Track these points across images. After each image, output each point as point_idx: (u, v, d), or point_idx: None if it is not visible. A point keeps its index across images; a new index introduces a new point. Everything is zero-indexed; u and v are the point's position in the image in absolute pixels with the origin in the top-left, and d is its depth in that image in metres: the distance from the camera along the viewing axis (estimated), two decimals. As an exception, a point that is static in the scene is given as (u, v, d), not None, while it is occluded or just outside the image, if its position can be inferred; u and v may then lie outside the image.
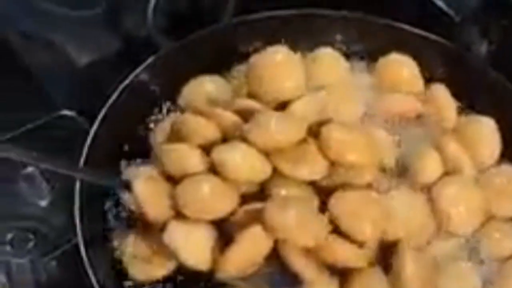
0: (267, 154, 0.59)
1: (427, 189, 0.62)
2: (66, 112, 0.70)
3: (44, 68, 0.73)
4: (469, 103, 0.68)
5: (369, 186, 0.60)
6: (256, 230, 0.56)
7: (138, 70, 0.64)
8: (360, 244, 0.57)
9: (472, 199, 0.61)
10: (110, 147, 0.63)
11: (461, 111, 0.67)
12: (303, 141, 0.60)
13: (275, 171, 0.59)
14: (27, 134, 0.68)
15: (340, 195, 0.59)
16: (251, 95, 0.64)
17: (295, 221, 0.56)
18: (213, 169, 0.59)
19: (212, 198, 0.58)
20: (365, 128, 0.65)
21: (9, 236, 0.63)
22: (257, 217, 0.56)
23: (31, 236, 0.63)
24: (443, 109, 0.66)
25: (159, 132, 0.66)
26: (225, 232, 0.58)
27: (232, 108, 0.62)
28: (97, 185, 0.59)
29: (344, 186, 0.59)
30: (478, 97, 0.67)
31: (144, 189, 0.59)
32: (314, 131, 0.60)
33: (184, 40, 0.66)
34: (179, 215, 0.58)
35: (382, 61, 0.70)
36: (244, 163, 0.58)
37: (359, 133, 0.61)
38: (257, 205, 0.58)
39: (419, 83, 0.68)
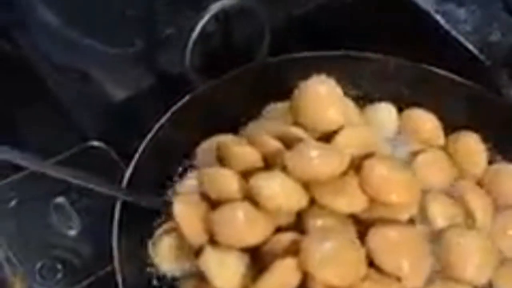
0: (305, 184, 0.58)
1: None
2: (96, 143, 0.70)
3: (79, 102, 0.75)
4: (499, 148, 0.68)
5: (409, 221, 0.59)
6: (288, 262, 0.55)
7: (175, 108, 0.64)
8: (396, 279, 0.56)
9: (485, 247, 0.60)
10: (149, 179, 0.63)
11: (490, 157, 0.67)
12: (344, 173, 0.59)
13: (313, 203, 0.58)
14: (60, 162, 0.68)
15: (379, 230, 0.58)
16: (295, 125, 0.64)
17: (332, 256, 0.55)
18: (250, 197, 0.59)
19: (245, 226, 0.57)
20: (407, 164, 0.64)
21: (38, 265, 0.63)
22: (291, 248, 0.56)
23: (59, 266, 0.64)
24: (472, 157, 0.66)
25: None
26: (258, 261, 0.58)
27: (277, 134, 0.62)
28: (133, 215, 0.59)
29: (383, 221, 0.58)
30: (508, 142, 0.67)
31: (184, 210, 0.59)
32: (357, 164, 0.60)
33: (219, 79, 0.67)
34: (214, 240, 0.58)
35: (407, 112, 0.69)
36: (279, 192, 0.58)
37: (402, 170, 0.60)
38: (291, 235, 0.58)
39: (441, 137, 0.68)
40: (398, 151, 0.67)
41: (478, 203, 0.63)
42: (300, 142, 0.61)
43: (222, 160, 0.63)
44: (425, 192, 0.63)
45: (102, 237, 0.58)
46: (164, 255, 0.60)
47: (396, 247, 0.57)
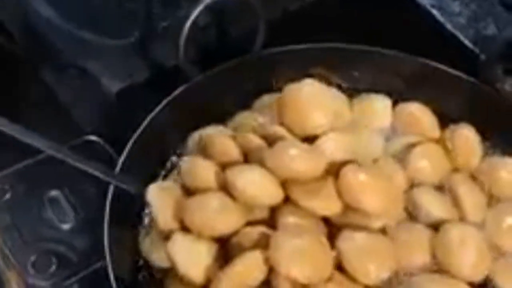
0: (282, 182, 0.59)
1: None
2: (92, 137, 0.70)
3: (75, 95, 0.75)
4: (493, 141, 0.68)
5: (381, 230, 0.59)
6: (256, 255, 0.55)
7: (168, 99, 0.64)
8: (363, 285, 0.56)
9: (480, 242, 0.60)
10: (139, 173, 0.63)
11: (485, 150, 0.67)
12: (322, 177, 0.59)
13: (287, 200, 0.59)
14: (54, 157, 0.68)
15: (350, 234, 0.58)
16: (280, 124, 0.64)
17: (300, 254, 0.55)
18: (226, 188, 0.59)
19: (217, 215, 0.58)
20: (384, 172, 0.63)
21: (32, 259, 0.63)
22: (260, 242, 0.57)
23: (54, 259, 0.63)
24: (468, 149, 0.66)
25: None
26: (227, 252, 0.58)
27: (260, 132, 0.63)
28: (126, 208, 0.60)
29: (355, 226, 0.59)
30: (502, 135, 0.68)
31: (158, 195, 0.60)
32: (336, 170, 0.60)
33: (212, 71, 0.67)
34: (185, 228, 0.58)
35: (402, 105, 0.69)
36: (254, 185, 0.58)
37: (380, 179, 0.60)
38: (262, 229, 0.58)
39: (436, 130, 0.68)
40: (393, 144, 0.67)
41: (470, 197, 0.63)
42: (281, 140, 0.61)
43: (204, 151, 0.63)
44: (417, 187, 0.64)
45: (96, 230, 0.58)
46: (154, 247, 0.60)
47: (366, 253, 0.57)
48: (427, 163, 0.65)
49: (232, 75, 0.67)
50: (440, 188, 0.64)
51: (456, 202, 0.63)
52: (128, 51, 0.70)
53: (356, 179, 0.58)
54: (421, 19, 0.73)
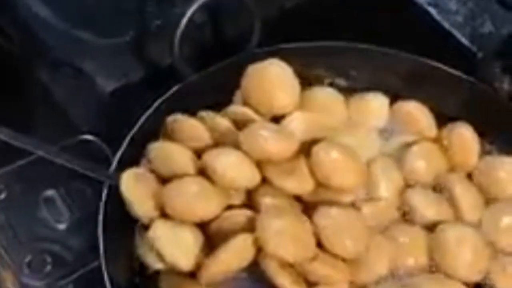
0: (257, 163, 0.59)
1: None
2: (88, 137, 0.70)
3: (70, 94, 0.74)
4: (490, 140, 0.67)
5: (352, 204, 0.61)
6: (244, 238, 0.56)
7: (162, 98, 0.64)
8: (342, 260, 0.57)
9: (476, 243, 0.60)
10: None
11: (482, 149, 0.67)
12: (295, 155, 0.60)
13: (263, 181, 0.59)
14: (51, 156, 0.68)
15: (325, 211, 0.59)
16: (246, 105, 0.64)
17: (286, 233, 0.55)
18: (203, 173, 0.59)
19: (198, 201, 0.58)
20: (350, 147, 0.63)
21: (27, 258, 0.63)
22: (245, 225, 0.57)
23: (49, 259, 0.63)
24: (465, 148, 0.66)
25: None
26: (210, 236, 0.58)
27: (227, 115, 0.63)
28: (122, 207, 0.59)
29: (328, 202, 0.59)
30: (500, 134, 0.67)
31: (131, 184, 0.59)
32: (307, 149, 0.60)
33: (207, 70, 0.67)
34: (165, 215, 0.58)
35: (399, 104, 0.69)
36: (233, 169, 0.58)
37: (349, 156, 0.61)
38: (245, 212, 0.58)
39: (433, 129, 0.68)
40: (390, 143, 0.67)
41: (467, 197, 0.62)
42: (252, 123, 0.61)
43: (172, 136, 0.63)
44: (412, 187, 0.63)
45: (91, 230, 0.58)
46: (149, 248, 0.59)
47: (343, 228, 0.58)
48: (424, 162, 0.65)
49: (228, 74, 0.67)
50: (436, 187, 0.64)
51: (452, 202, 0.62)
52: (123, 50, 0.70)
53: (327, 157, 0.59)
54: (418, 18, 0.73)
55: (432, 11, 0.72)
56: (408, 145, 0.66)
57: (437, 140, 0.67)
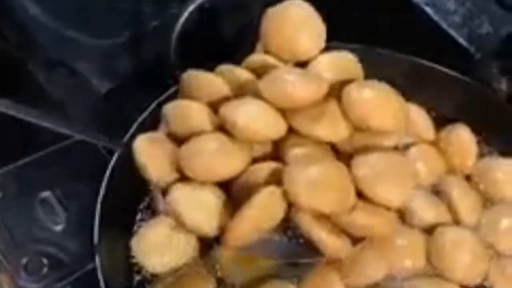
0: (282, 111, 0.54)
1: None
2: (85, 137, 0.70)
3: (66, 94, 0.74)
4: (489, 141, 0.67)
5: (394, 148, 0.56)
6: (272, 190, 0.51)
7: (159, 99, 0.63)
8: (386, 209, 0.53)
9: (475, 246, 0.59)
10: (133, 174, 0.61)
11: (480, 150, 0.67)
12: (324, 100, 0.55)
13: (290, 131, 0.54)
14: (46, 157, 0.68)
15: (363, 158, 0.54)
16: (267, 53, 0.59)
17: (319, 182, 0.50)
18: (223, 129, 0.54)
19: (218, 159, 0.53)
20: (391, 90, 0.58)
21: (24, 261, 0.63)
22: (271, 178, 0.52)
23: (45, 261, 0.63)
24: (463, 150, 0.66)
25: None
26: (234, 196, 0.53)
27: (247, 66, 0.58)
28: (118, 212, 0.59)
29: (366, 148, 0.55)
30: (498, 135, 0.67)
31: (146, 147, 0.55)
32: (337, 92, 0.55)
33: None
34: (183, 177, 0.53)
35: None
36: (255, 120, 0.53)
37: (386, 95, 0.56)
38: (271, 165, 0.53)
39: (431, 131, 0.67)
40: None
41: (465, 200, 0.62)
42: (274, 69, 0.56)
43: (189, 93, 0.58)
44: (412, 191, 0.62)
45: (88, 232, 0.58)
46: (145, 251, 0.58)
47: (385, 175, 0.53)
48: (422, 164, 0.64)
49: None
50: (435, 189, 0.64)
51: (450, 205, 0.62)
52: (119, 50, 0.69)
53: (361, 96, 0.55)
54: (416, 18, 0.72)
55: (430, 11, 0.72)
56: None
57: (435, 142, 0.67)
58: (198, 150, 0.53)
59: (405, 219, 0.61)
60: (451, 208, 0.62)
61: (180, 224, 0.53)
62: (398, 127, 0.56)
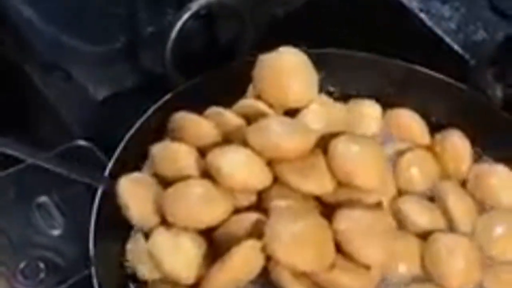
0: (268, 161, 0.54)
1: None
2: (81, 142, 0.70)
3: (63, 100, 0.74)
4: (483, 147, 0.67)
5: (378, 205, 0.55)
6: (252, 244, 0.50)
7: (155, 107, 0.63)
8: (366, 268, 0.52)
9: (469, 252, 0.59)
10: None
11: (475, 156, 0.67)
12: (311, 152, 0.54)
13: (275, 182, 0.54)
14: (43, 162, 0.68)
15: (346, 213, 0.53)
16: (258, 99, 0.59)
17: (301, 239, 0.50)
18: (208, 175, 0.53)
19: (201, 206, 0.53)
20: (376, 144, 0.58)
21: (21, 265, 0.63)
22: (253, 230, 0.52)
23: (43, 266, 0.63)
24: (458, 156, 0.66)
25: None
26: (214, 244, 0.53)
27: (237, 110, 0.58)
28: (115, 217, 0.58)
29: (350, 203, 0.54)
30: (493, 141, 0.67)
31: (129, 188, 0.55)
32: (324, 144, 0.55)
33: (199, 77, 0.67)
34: (165, 222, 0.53)
35: (392, 111, 0.68)
36: (241, 169, 0.53)
37: (371, 151, 0.55)
38: (254, 216, 0.53)
39: (426, 137, 0.67)
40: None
41: (459, 206, 0.62)
42: (262, 116, 0.56)
43: (177, 135, 0.58)
44: (405, 195, 0.63)
45: (85, 237, 0.58)
46: (141, 257, 0.57)
47: (367, 232, 0.53)
48: (417, 170, 0.65)
49: (220, 82, 0.66)
50: (430, 195, 0.64)
51: (445, 211, 0.62)
52: (114, 57, 0.69)
53: (347, 152, 0.54)
54: (411, 24, 0.72)
55: (425, 17, 0.72)
56: (401, 152, 0.65)
57: (430, 148, 0.67)
58: (181, 196, 0.53)
59: (400, 224, 0.61)
60: (446, 214, 0.62)
61: (159, 268, 0.53)
62: (382, 184, 0.56)
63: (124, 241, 0.60)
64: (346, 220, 0.53)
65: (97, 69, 0.70)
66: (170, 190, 0.54)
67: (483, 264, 0.60)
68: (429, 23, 0.71)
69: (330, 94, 0.69)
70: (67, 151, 0.70)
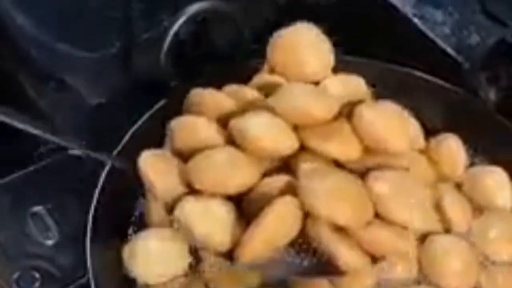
0: (293, 128, 0.53)
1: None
2: (75, 151, 0.70)
3: (57, 107, 0.74)
4: (478, 150, 0.68)
5: (406, 169, 0.55)
6: (288, 200, 0.49)
7: (150, 112, 0.63)
8: (403, 228, 0.51)
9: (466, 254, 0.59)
10: (124, 188, 0.62)
11: (470, 159, 0.67)
12: (335, 119, 0.54)
13: (301, 148, 0.53)
14: (37, 171, 0.68)
15: (379, 174, 0.52)
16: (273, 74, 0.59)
17: (337, 192, 0.49)
18: (232, 143, 0.53)
19: (229, 170, 0.52)
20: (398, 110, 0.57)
21: (16, 275, 0.62)
22: (284, 191, 0.50)
23: (37, 275, 0.63)
24: (453, 159, 0.66)
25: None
26: (245, 211, 0.52)
27: (252, 84, 0.57)
28: (110, 223, 0.58)
29: (379, 167, 0.53)
30: (487, 144, 0.67)
31: (152, 162, 0.54)
32: (348, 112, 0.55)
33: (194, 83, 0.65)
34: (192, 191, 0.52)
35: None
36: (268, 131, 0.52)
37: (397, 115, 0.55)
38: (284, 178, 0.51)
39: (421, 140, 0.67)
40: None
41: (455, 208, 0.62)
42: (285, 85, 0.55)
43: (194, 110, 0.57)
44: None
45: (80, 246, 0.58)
46: (137, 263, 0.58)
47: (403, 194, 0.52)
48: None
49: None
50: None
51: (441, 213, 0.62)
52: (109, 62, 0.69)
53: (374, 118, 0.54)
54: (404, 29, 0.73)
55: (419, 22, 0.72)
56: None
57: (424, 151, 0.67)
58: (207, 163, 0.52)
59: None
60: (442, 215, 0.62)
61: (189, 238, 0.52)
62: (409, 149, 0.56)
63: (119, 248, 0.59)
64: (380, 181, 0.52)
65: (91, 74, 0.69)
66: (195, 159, 0.52)
67: (480, 265, 0.60)
68: (423, 27, 0.72)
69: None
70: (61, 158, 0.69)
